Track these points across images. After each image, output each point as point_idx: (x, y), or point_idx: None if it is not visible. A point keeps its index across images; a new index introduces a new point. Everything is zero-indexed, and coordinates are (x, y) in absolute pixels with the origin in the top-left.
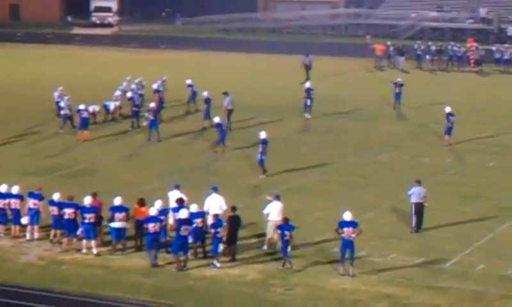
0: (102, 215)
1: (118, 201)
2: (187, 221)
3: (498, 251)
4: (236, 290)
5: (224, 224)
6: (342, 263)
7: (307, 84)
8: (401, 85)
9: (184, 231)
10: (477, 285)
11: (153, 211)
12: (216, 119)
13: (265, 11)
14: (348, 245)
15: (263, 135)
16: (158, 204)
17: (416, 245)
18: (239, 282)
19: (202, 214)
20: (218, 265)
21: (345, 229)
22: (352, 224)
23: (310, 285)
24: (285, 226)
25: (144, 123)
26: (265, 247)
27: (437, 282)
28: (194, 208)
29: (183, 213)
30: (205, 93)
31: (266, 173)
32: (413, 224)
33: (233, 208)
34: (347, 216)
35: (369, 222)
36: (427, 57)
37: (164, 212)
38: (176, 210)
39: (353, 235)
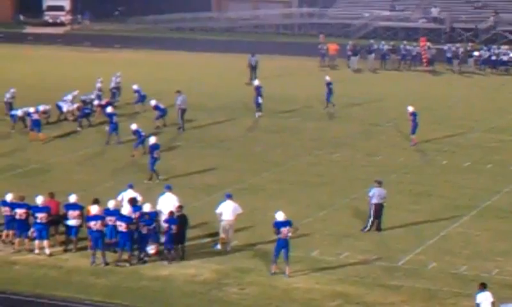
0: (60, 215)
1: (73, 198)
2: (96, 217)
3: (450, 249)
4: (190, 289)
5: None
6: (275, 262)
7: (256, 82)
8: (329, 83)
9: (93, 226)
10: (430, 283)
11: (94, 209)
12: (133, 127)
13: (218, 10)
14: (284, 245)
15: (153, 140)
16: (111, 204)
17: (370, 243)
18: (192, 281)
19: (155, 214)
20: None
21: (282, 229)
22: (287, 223)
23: (264, 284)
24: (171, 219)
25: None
26: (218, 247)
27: (390, 280)
28: (147, 207)
29: (93, 209)
30: (153, 102)
31: (159, 177)
32: (369, 224)
33: (180, 207)
34: (280, 216)
35: (322, 221)
36: (372, 55)
37: (115, 212)
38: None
39: (290, 234)
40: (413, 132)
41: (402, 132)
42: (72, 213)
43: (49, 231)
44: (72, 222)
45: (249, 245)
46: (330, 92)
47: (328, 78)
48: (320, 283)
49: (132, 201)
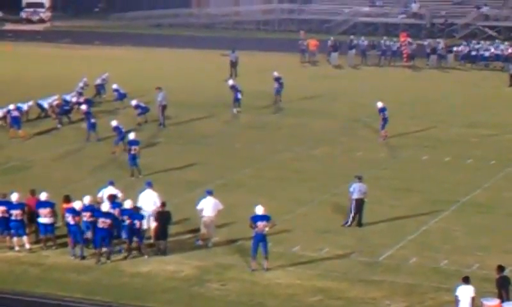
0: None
1: (43, 196)
2: (68, 210)
3: (430, 243)
4: (171, 285)
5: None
6: (254, 258)
7: (230, 82)
8: (279, 78)
9: (66, 218)
10: (411, 278)
11: (77, 205)
12: (114, 123)
13: (198, 6)
14: (261, 239)
15: (132, 136)
16: (86, 199)
17: (350, 239)
18: (173, 278)
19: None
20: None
21: (259, 223)
22: (265, 218)
23: (245, 280)
24: (136, 214)
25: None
26: (199, 243)
27: (371, 275)
28: (128, 204)
29: (76, 205)
30: (134, 102)
31: (140, 174)
32: (350, 219)
33: (163, 204)
34: (259, 210)
35: (303, 216)
36: (353, 51)
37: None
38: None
39: (266, 229)
40: (383, 127)
41: None
42: (42, 211)
43: (26, 228)
44: (43, 220)
45: (230, 241)
46: (281, 86)
47: (276, 73)
48: (302, 278)
49: (111, 198)
